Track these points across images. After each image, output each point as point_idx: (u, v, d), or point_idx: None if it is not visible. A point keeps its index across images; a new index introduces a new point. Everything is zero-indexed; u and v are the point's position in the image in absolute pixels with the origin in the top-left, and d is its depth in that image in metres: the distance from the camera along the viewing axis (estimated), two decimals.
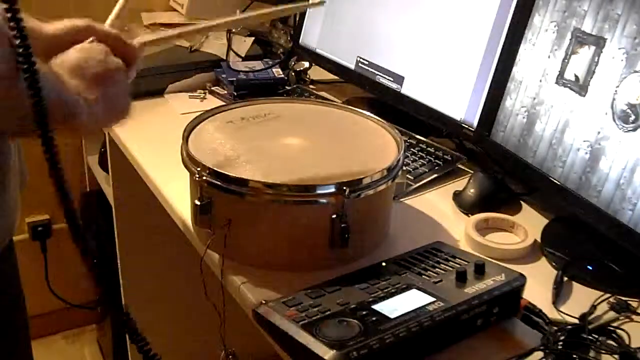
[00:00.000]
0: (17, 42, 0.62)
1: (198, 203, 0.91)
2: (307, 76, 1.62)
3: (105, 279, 0.72)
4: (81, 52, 0.80)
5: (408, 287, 0.81)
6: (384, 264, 0.89)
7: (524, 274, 0.85)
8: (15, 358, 0.99)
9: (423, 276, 0.85)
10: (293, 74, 1.60)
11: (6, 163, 0.84)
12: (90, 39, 0.84)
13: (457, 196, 1.13)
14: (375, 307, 0.77)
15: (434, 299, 0.78)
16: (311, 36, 1.59)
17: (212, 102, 1.49)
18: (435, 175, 1.18)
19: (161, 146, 1.21)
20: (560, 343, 0.78)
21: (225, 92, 1.52)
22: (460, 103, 1.22)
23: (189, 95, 1.52)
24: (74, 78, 0.76)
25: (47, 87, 0.66)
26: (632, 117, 0.88)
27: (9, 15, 0.61)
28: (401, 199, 1.11)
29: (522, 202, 1.13)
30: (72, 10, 1.77)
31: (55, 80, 0.71)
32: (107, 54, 0.83)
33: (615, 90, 0.91)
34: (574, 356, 0.76)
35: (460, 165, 1.22)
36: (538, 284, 0.90)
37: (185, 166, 0.93)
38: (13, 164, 0.87)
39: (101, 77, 0.79)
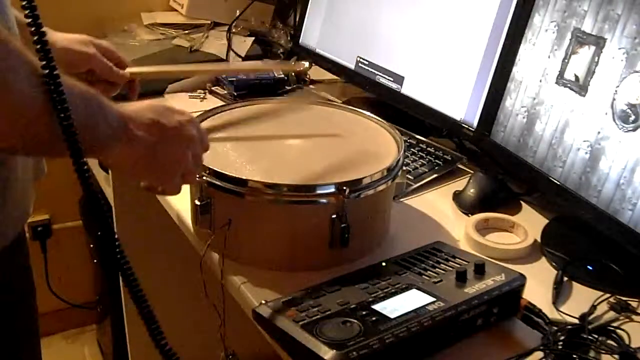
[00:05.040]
0: (43, 63, 0.61)
1: (198, 203, 0.91)
2: (307, 76, 1.62)
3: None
4: (167, 106, 0.80)
5: (408, 287, 0.81)
6: (384, 264, 0.89)
7: (524, 274, 0.85)
8: (23, 352, 1.00)
9: (423, 276, 0.85)
10: (293, 74, 1.60)
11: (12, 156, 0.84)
12: None
13: (457, 196, 1.13)
14: (375, 307, 0.77)
15: (434, 299, 0.78)
16: (311, 36, 1.59)
17: (212, 102, 1.49)
18: (435, 175, 1.18)
19: None
20: (560, 343, 0.78)
21: (225, 92, 1.52)
22: (460, 103, 1.22)
23: (189, 95, 1.52)
24: (139, 112, 0.75)
25: (79, 108, 0.64)
26: (632, 117, 0.88)
27: (32, 29, 0.61)
28: (401, 199, 1.11)
29: (522, 202, 1.13)
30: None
31: (83, 97, 0.68)
32: (189, 123, 0.81)
33: (615, 90, 0.91)
34: (574, 356, 0.76)
35: (460, 165, 1.22)
36: (538, 284, 0.90)
37: None
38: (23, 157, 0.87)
39: (163, 128, 0.77)
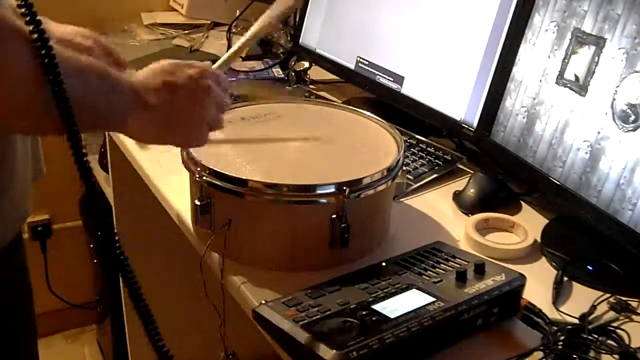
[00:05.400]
0: (35, 36, 0.59)
1: (198, 203, 0.91)
2: (307, 76, 1.62)
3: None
4: (176, 62, 0.79)
5: (408, 287, 0.81)
6: (384, 264, 0.89)
7: (524, 274, 0.85)
8: (20, 352, 1.00)
9: (423, 276, 0.85)
10: (293, 74, 1.60)
11: (11, 153, 0.84)
12: None
13: (457, 196, 1.12)
14: (375, 307, 0.77)
15: (434, 299, 0.78)
16: (311, 36, 1.59)
17: None
18: (435, 175, 1.18)
19: (161, 146, 1.21)
20: (560, 343, 0.78)
21: None
22: (460, 103, 1.22)
23: None
24: (149, 77, 0.74)
25: (75, 82, 0.62)
26: (632, 117, 0.88)
27: (23, 10, 0.59)
28: (401, 199, 1.11)
29: (522, 202, 1.13)
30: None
31: (90, 72, 0.66)
32: (202, 75, 0.80)
33: (615, 90, 0.91)
34: (574, 356, 0.76)
35: (460, 165, 1.22)
36: (538, 284, 0.90)
37: (185, 166, 0.93)
38: (23, 154, 0.87)
39: (175, 87, 0.76)
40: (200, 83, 0.80)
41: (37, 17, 0.60)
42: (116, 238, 0.69)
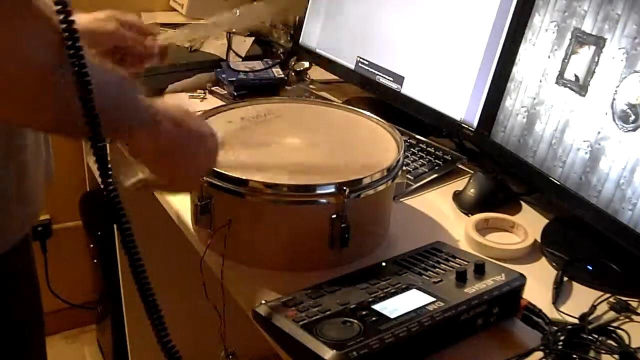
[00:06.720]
0: (66, 34, 0.59)
1: (198, 203, 0.91)
2: (307, 76, 1.62)
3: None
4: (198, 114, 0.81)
5: (408, 287, 0.81)
6: (384, 264, 0.89)
7: (524, 274, 0.85)
8: (29, 351, 1.00)
9: (423, 276, 0.85)
10: (293, 74, 1.60)
11: (23, 152, 0.84)
12: None
13: (457, 196, 1.12)
14: (375, 307, 0.77)
15: (434, 299, 0.78)
16: (311, 36, 1.59)
17: (212, 102, 1.49)
18: (435, 175, 1.18)
19: None
20: (560, 343, 0.78)
21: (225, 92, 1.52)
22: (460, 103, 1.22)
23: (189, 96, 1.52)
24: (173, 107, 0.76)
25: (100, 85, 0.62)
26: (632, 117, 0.88)
27: (57, 7, 0.58)
28: (401, 199, 1.11)
29: (522, 202, 1.13)
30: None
31: (113, 80, 0.67)
32: (212, 134, 0.82)
33: (615, 90, 0.91)
34: (574, 356, 0.76)
35: (460, 165, 1.22)
36: (538, 284, 0.90)
37: None
38: (36, 154, 0.87)
39: (189, 129, 0.77)
40: (207, 141, 0.81)
41: (69, 9, 0.59)
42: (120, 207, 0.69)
